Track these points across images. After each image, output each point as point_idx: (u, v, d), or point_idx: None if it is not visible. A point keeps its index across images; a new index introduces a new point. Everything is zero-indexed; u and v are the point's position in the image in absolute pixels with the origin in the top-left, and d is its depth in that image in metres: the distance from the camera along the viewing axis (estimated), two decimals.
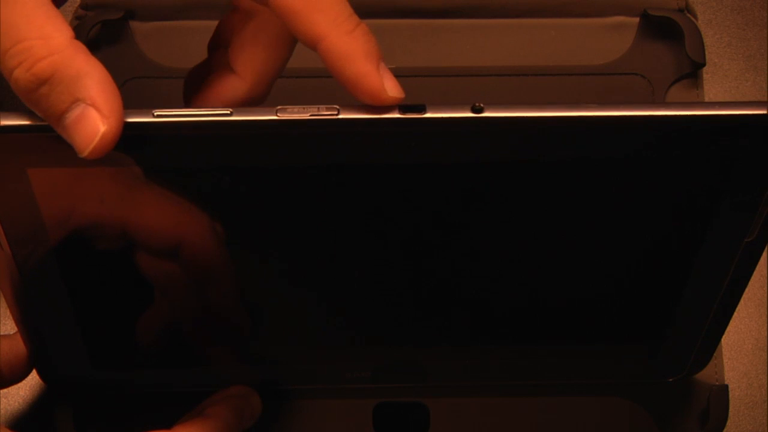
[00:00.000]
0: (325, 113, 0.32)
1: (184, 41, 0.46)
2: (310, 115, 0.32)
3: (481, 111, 0.32)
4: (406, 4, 0.49)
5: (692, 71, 0.49)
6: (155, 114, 0.32)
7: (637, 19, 0.50)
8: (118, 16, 0.49)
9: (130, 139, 0.32)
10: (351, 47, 0.31)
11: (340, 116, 0.32)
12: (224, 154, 0.33)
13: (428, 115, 0.32)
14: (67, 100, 0.30)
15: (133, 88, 0.48)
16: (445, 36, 0.49)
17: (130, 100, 0.48)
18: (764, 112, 0.32)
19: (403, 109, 0.32)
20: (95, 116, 0.30)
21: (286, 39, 0.36)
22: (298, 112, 0.32)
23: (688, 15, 0.49)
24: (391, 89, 0.32)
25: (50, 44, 0.30)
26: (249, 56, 0.36)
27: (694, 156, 0.34)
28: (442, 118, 0.32)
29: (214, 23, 0.39)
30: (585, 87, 0.49)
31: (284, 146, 0.33)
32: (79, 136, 0.30)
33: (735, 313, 0.41)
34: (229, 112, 0.32)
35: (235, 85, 0.36)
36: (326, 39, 0.31)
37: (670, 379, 0.44)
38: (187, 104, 0.38)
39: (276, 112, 0.32)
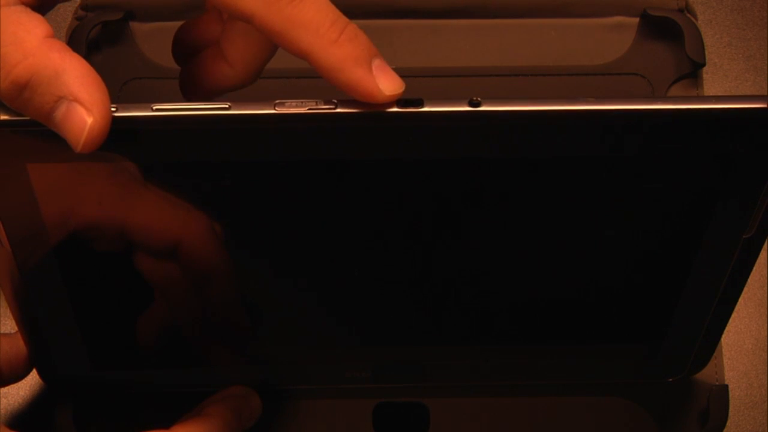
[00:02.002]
0: (323, 107, 0.32)
1: None
2: (308, 109, 0.32)
3: (478, 105, 0.32)
4: (406, 4, 0.49)
5: (692, 71, 0.49)
6: (154, 108, 0.32)
7: (636, 19, 0.49)
8: (118, 16, 0.49)
9: (129, 132, 0.32)
10: (338, 57, 0.31)
11: (338, 110, 0.32)
12: (222, 148, 0.33)
13: (426, 109, 0.32)
14: (50, 100, 0.30)
15: (134, 88, 0.48)
16: (445, 36, 0.49)
17: (130, 101, 0.47)
18: (764, 105, 0.32)
19: (401, 103, 0.32)
20: (80, 110, 0.30)
21: None
22: (296, 106, 0.32)
23: (688, 15, 0.49)
24: (387, 87, 0.32)
25: (23, 48, 0.30)
26: (240, 49, 0.37)
27: (693, 151, 0.34)
28: (439, 111, 0.32)
29: None
30: (585, 87, 0.48)
31: (282, 140, 0.33)
32: (70, 131, 0.30)
33: (735, 313, 0.41)
34: (227, 105, 0.32)
35: (225, 72, 0.37)
36: (312, 54, 0.31)
37: (670, 379, 0.44)
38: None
39: (274, 107, 0.32)
